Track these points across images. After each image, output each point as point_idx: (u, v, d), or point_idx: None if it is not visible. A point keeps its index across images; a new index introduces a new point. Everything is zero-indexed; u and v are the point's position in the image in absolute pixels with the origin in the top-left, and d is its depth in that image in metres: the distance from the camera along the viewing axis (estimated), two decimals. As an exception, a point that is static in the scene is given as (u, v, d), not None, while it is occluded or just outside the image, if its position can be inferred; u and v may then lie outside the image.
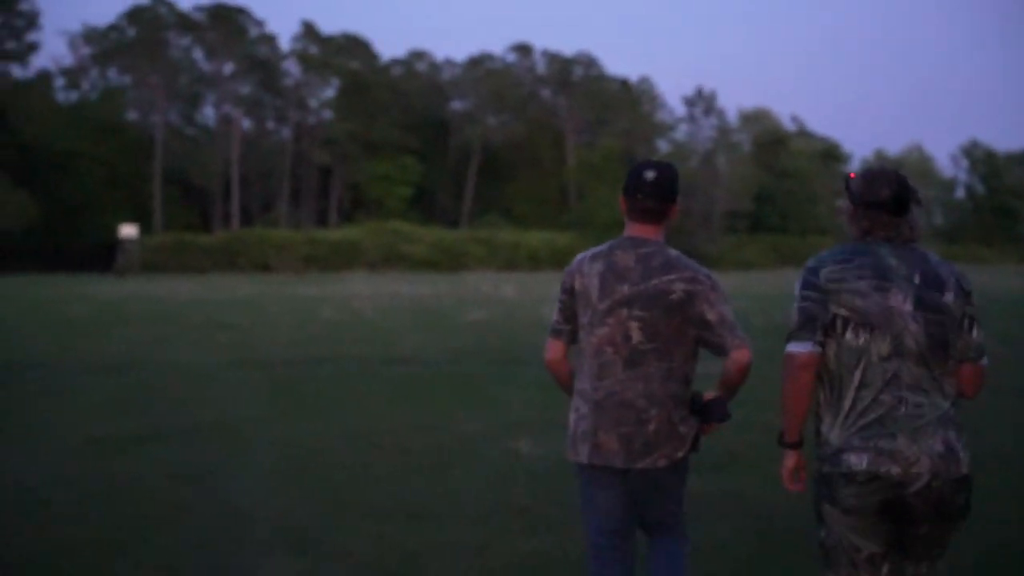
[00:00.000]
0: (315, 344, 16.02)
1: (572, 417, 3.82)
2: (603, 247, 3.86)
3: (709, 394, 3.77)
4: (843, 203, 3.46)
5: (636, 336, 3.69)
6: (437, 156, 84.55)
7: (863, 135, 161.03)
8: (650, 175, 3.74)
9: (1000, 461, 7.47)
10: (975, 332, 3.32)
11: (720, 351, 3.71)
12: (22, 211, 58.73)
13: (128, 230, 58.68)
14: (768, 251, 76.39)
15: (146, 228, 65.54)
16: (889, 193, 3.32)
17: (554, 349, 3.92)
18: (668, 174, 3.78)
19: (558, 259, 67.83)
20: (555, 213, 77.92)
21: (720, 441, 8.00)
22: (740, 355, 3.67)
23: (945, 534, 3.27)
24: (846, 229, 3.47)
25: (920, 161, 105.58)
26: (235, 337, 17.38)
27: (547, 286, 36.30)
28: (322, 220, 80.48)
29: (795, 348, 3.26)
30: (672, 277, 3.70)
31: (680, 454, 3.74)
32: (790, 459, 3.39)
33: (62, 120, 67.63)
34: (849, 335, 3.23)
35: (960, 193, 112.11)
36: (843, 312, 3.24)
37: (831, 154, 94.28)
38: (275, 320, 21.51)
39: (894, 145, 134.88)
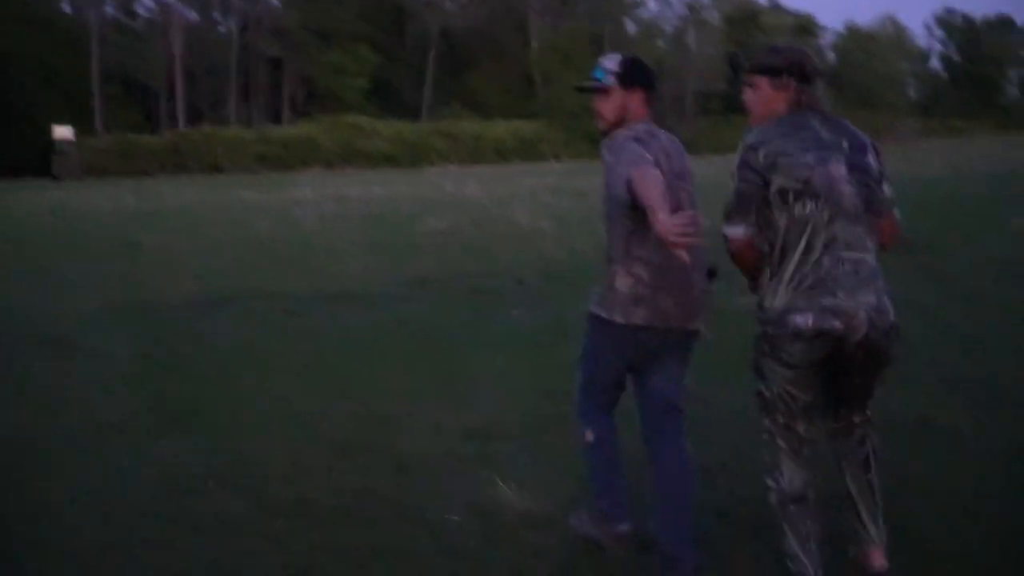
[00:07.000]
0: (228, 274, 12.53)
1: (627, 281, 3.73)
2: (639, 130, 3.80)
3: None
4: (760, 79, 3.52)
5: (686, 207, 3.71)
6: (394, 45, 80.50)
7: (835, 7, 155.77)
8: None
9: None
10: (886, 187, 3.52)
11: None
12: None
13: (62, 131, 54.72)
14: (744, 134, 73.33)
15: (88, 129, 61.76)
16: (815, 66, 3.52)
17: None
18: None
19: (525, 149, 64.76)
20: (521, 101, 74.27)
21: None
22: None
23: (874, 382, 3.48)
24: (752, 106, 3.57)
25: (894, 32, 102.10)
26: (130, 267, 13.71)
27: (515, 182, 32.61)
28: (275, 117, 76.70)
29: (730, 231, 3.41)
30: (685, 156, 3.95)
31: (710, 322, 3.83)
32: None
33: (-12, 15, 62.91)
34: (798, 207, 3.31)
35: (935, 64, 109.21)
36: (793, 184, 3.32)
37: (805, 28, 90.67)
38: (194, 237, 17.73)
39: (864, 16, 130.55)
